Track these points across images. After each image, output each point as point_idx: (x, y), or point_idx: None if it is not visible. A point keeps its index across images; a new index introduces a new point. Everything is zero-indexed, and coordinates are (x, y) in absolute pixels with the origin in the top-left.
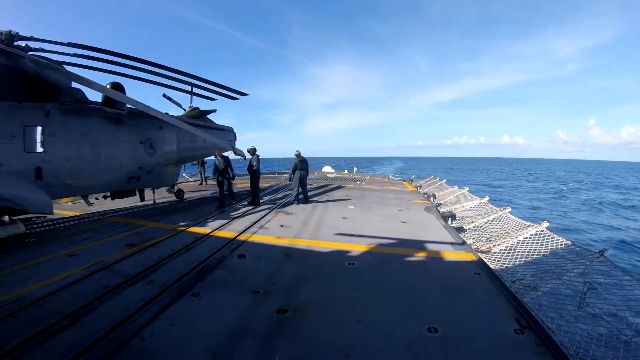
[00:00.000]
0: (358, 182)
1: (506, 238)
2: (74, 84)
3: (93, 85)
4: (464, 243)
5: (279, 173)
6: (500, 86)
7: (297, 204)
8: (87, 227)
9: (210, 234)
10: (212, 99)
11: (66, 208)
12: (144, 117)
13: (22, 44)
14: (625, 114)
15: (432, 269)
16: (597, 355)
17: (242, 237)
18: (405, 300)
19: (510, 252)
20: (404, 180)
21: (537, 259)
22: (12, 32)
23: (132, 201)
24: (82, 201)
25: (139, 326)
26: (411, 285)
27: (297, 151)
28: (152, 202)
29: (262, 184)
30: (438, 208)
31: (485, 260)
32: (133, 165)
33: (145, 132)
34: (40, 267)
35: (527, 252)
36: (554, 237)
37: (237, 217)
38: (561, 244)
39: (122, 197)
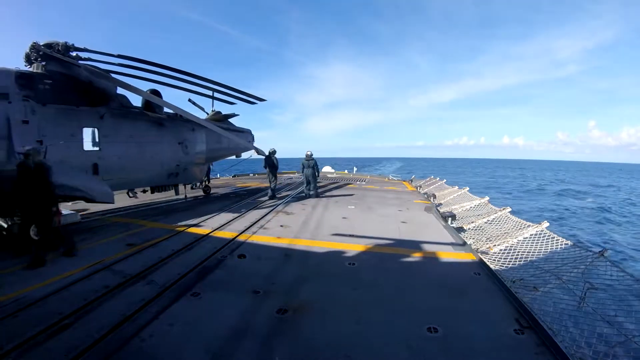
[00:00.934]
0: (358, 182)
1: (506, 238)
2: (119, 90)
3: (140, 92)
4: (464, 243)
5: (279, 173)
6: (501, 87)
7: (306, 197)
8: (87, 227)
9: (210, 234)
10: (232, 103)
11: (66, 208)
12: (179, 120)
13: (73, 53)
14: (625, 115)
15: (432, 269)
16: (597, 355)
17: (242, 237)
18: (405, 300)
19: (510, 252)
20: (404, 180)
21: (537, 259)
22: (67, 44)
23: (133, 201)
24: (82, 201)
25: (139, 326)
26: (411, 285)
27: (308, 152)
28: (183, 197)
29: (264, 184)
30: (438, 208)
31: (485, 260)
32: (172, 163)
33: (181, 133)
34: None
35: (527, 252)
36: (554, 237)
37: (237, 217)
38: (561, 244)
39: (161, 191)
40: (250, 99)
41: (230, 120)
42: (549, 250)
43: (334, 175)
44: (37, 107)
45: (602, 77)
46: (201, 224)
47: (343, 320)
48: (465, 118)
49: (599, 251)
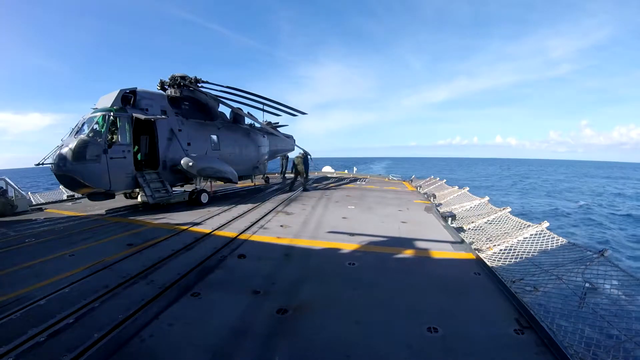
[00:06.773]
0: (358, 182)
1: (506, 238)
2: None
3: (239, 111)
4: (463, 243)
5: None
6: (494, 86)
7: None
8: (87, 227)
9: (211, 233)
10: (278, 115)
11: (66, 208)
12: (255, 129)
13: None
14: (617, 114)
15: (432, 269)
16: (597, 355)
17: (242, 237)
18: (405, 300)
19: (510, 252)
20: (404, 180)
21: (537, 259)
22: (196, 77)
23: (131, 202)
24: (82, 201)
25: (139, 326)
26: (411, 285)
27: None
28: (254, 184)
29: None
30: (438, 208)
31: (485, 260)
32: (255, 160)
33: (258, 139)
34: (40, 267)
35: (527, 252)
36: (554, 237)
37: (237, 217)
38: (561, 244)
39: (244, 180)
40: (293, 112)
41: (278, 129)
42: (549, 250)
43: (334, 175)
44: (184, 120)
45: (595, 76)
46: (201, 224)
47: (343, 320)
48: (459, 118)
49: (599, 251)
